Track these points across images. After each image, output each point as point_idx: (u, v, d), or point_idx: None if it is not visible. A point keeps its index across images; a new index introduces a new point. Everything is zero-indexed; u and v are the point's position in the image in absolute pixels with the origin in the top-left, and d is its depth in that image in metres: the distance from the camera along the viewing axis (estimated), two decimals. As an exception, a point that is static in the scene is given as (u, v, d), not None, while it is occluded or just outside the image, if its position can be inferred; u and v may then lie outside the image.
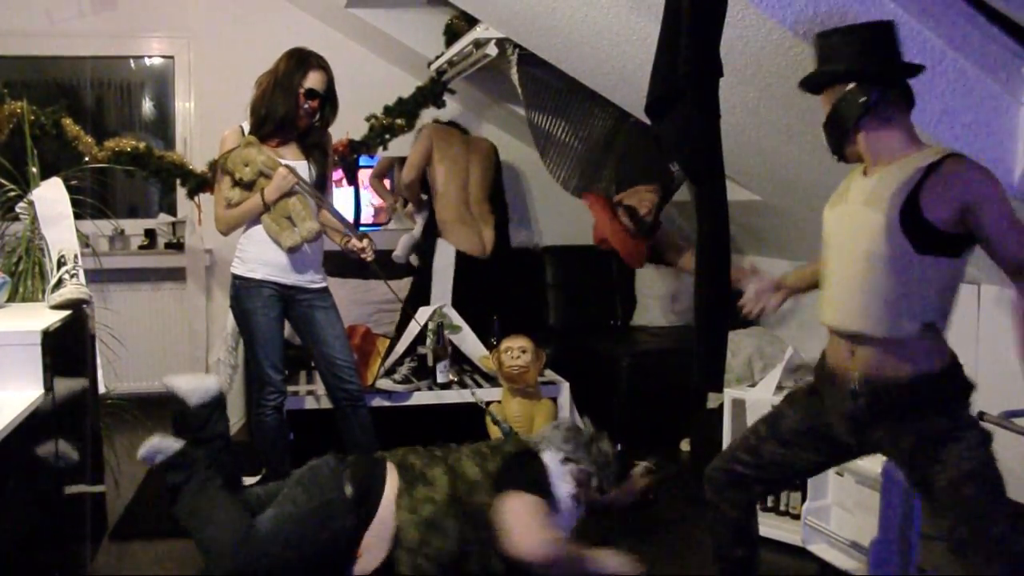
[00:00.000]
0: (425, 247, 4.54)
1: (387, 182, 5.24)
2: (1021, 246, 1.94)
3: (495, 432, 3.57)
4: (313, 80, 3.11)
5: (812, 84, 2.16)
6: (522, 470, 2.80)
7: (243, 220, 3.17)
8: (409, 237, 4.55)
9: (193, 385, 2.83)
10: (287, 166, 3.10)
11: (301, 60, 3.12)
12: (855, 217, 2.09)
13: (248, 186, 3.10)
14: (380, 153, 4.81)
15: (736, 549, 2.37)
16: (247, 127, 3.19)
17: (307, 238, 3.11)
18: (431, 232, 4.51)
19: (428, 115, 4.85)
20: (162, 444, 2.67)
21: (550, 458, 2.89)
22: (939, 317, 2.05)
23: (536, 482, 2.78)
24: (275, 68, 3.15)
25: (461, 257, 4.40)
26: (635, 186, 4.30)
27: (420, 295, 4.39)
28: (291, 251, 3.13)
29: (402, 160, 4.83)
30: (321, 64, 3.14)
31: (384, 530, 2.65)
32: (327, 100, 3.17)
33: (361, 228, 5.18)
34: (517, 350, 3.69)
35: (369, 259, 3.25)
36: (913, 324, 2.02)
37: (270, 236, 3.13)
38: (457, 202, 4.44)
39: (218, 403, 2.88)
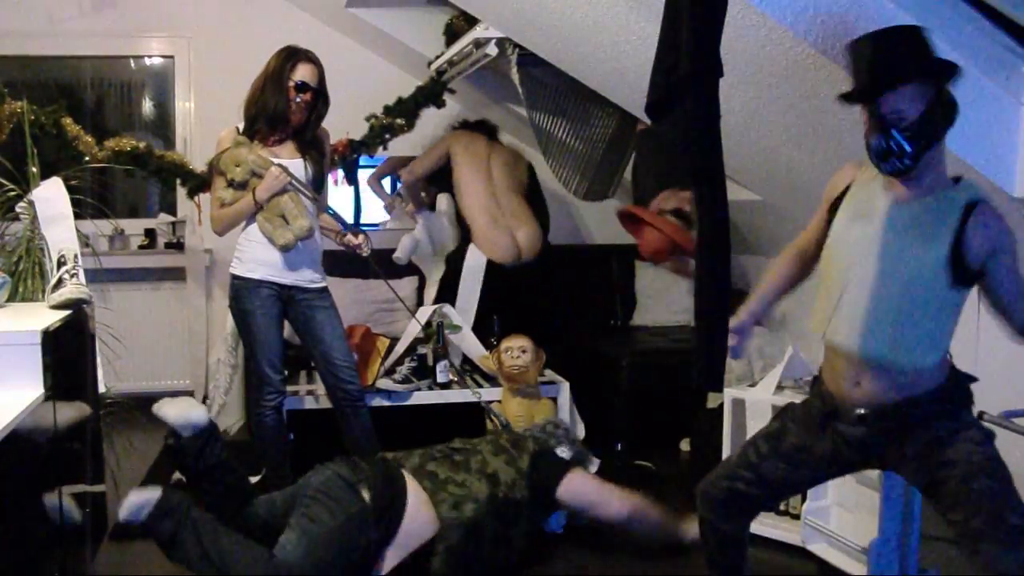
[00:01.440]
0: (455, 253, 4.40)
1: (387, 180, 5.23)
2: (1015, 297, 2.01)
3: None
4: (303, 73, 3.10)
5: (893, 77, 1.95)
6: (555, 457, 3.07)
7: (236, 220, 3.17)
8: (410, 238, 4.53)
9: (183, 417, 2.77)
10: (280, 165, 3.10)
11: (290, 55, 3.12)
12: (895, 244, 2.02)
13: (241, 186, 3.11)
14: (382, 152, 4.80)
15: (728, 554, 2.36)
16: (243, 127, 3.19)
17: (300, 236, 3.10)
18: (464, 239, 4.38)
19: (446, 115, 4.81)
20: (141, 498, 2.56)
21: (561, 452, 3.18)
22: (949, 345, 2.07)
23: (573, 464, 3.08)
24: (266, 67, 3.15)
25: (492, 267, 4.19)
26: (660, 191, 4.31)
27: (445, 300, 4.26)
28: (284, 249, 3.12)
29: (409, 160, 4.83)
30: (310, 58, 3.14)
31: (409, 536, 2.68)
32: (319, 94, 3.15)
33: (362, 227, 5.17)
34: (517, 350, 3.69)
35: (365, 255, 3.27)
36: (935, 355, 2.04)
37: (264, 235, 3.13)
38: (484, 202, 4.26)
39: (210, 433, 2.84)
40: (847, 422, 2.12)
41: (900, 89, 1.94)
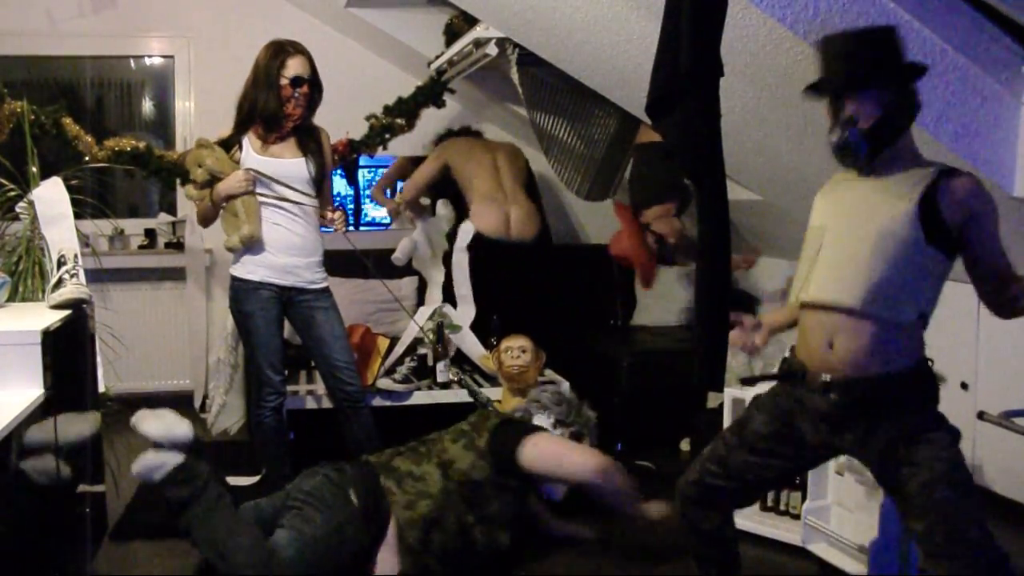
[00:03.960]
0: (449, 234, 4.38)
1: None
2: (1004, 262, 2.01)
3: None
4: (294, 67, 3.07)
5: (853, 81, 2.05)
6: (518, 424, 2.92)
7: (207, 216, 3.22)
8: (409, 240, 4.52)
9: (166, 431, 2.59)
10: (250, 170, 3.10)
11: (277, 50, 3.09)
12: (866, 201, 2.09)
13: (207, 185, 3.14)
14: (382, 152, 4.80)
15: (713, 550, 2.36)
16: (235, 126, 3.19)
17: (243, 242, 3.10)
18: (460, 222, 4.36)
19: (445, 115, 4.82)
20: (159, 458, 2.51)
21: (542, 421, 3.04)
22: (929, 311, 2.07)
23: (536, 428, 2.90)
24: (255, 64, 3.13)
25: (481, 240, 4.15)
26: (655, 204, 4.30)
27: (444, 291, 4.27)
28: (229, 251, 3.17)
29: (415, 160, 4.82)
30: (299, 49, 3.11)
31: (392, 538, 2.67)
32: (314, 85, 3.13)
33: (363, 228, 5.18)
34: (517, 350, 3.69)
35: (342, 231, 3.26)
36: (911, 311, 2.03)
37: (224, 230, 3.17)
38: (487, 184, 4.25)
39: (197, 451, 2.65)
40: (814, 390, 2.11)
41: (860, 94, 2.04)
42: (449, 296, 4.27)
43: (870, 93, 2.03)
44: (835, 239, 2.13)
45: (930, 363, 2.09)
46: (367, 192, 5.16)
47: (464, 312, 4.14)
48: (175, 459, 2.53)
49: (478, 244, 4.16)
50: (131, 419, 2.63)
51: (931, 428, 2.01)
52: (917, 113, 2.09)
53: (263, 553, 2.49)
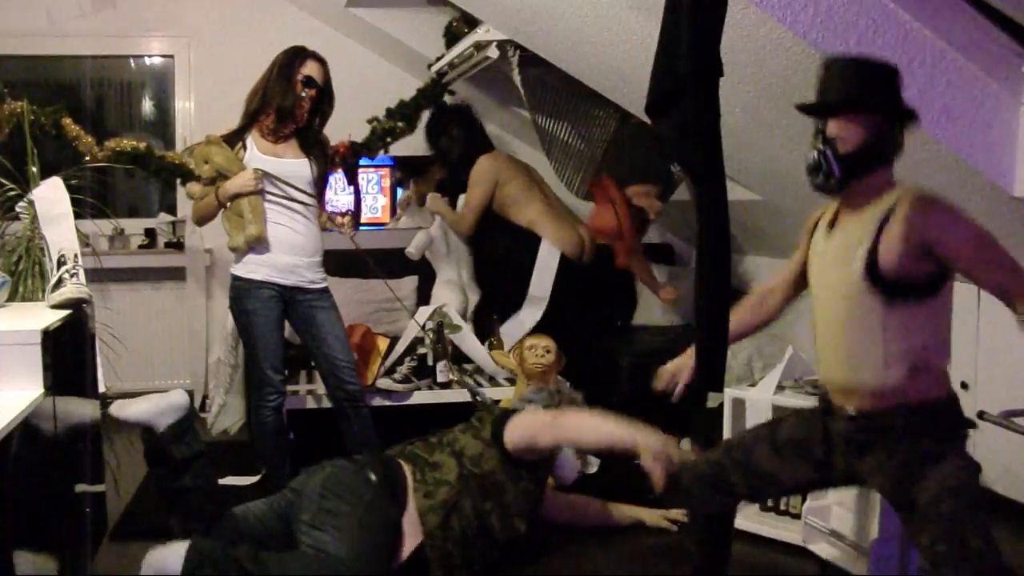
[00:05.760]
0: (515, 249, 4.32)
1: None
2: (1000, 272, 1.96)
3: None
4: (311, 69, 3.12)
5: (839, 104, 2.06)
6: (511, 412, 3.03)
7: (205, 214, 3.22)
8: (425, 234, 4.49)
9: (158, 407, 2.66)
10: (258, 169, 3.10)
11: (298, 52, 3.15)
12: (827, 279, 2.15)
13: (210, 182, 3.15)
14: (382, 154, 4.80)
15: (709, 541, 2.39)
16: (242, 120, 3.19)
17: (249, 242, 3.11)
18: (517, 235, 4.30)
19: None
20: (166, 555, 2.41)
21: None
22: (933, 356, 2.06)
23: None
24: (272, 63, 3.17)
25: (563, 261, 4.20)
26: (635, 184, 4.31)
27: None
28: (233, 250, 3.17)
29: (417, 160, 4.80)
30: (318, 57, 3.17)
31: (410, 520, 2.72)
32: (324, 92, 3.16)
33: (361, 227, 5.18)
34: (542, 349, 3.71)
35: (350, 235, 3.30)
36: (900, 371, 2.04)
37: (225, 230, 3.17)
38: (541, 202, 4.26)
39: (190, 422, 2.72)
40: (839, 420, 2.16)
41: (845, 117, 2.03)
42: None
43: (855, 119, 2.03)
44: (819, 318, 2.20)
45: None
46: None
47: (528, 315, 4.15)
48: (181, 546, 2.43)
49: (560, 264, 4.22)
50: (110, 410, 2.66)
51: (950, 453, 2.02)
52: (898, 154, 2.08)
53: (310, 560, 2.49)
